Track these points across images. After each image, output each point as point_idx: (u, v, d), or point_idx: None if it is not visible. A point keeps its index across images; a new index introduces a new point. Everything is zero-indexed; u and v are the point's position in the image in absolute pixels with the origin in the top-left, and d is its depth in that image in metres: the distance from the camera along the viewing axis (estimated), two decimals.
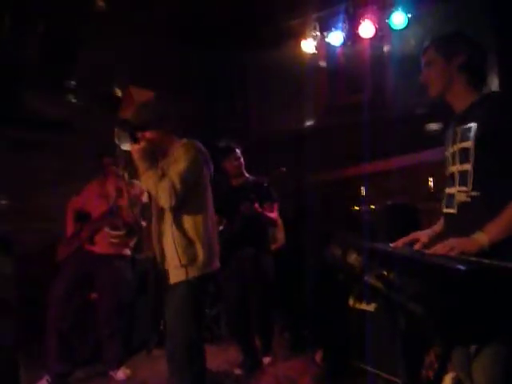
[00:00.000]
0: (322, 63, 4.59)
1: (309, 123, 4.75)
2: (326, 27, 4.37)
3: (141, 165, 1.92)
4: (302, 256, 3.07)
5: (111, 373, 3.01)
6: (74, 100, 4.04)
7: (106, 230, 3.02)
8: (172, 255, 1.93)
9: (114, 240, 3.03)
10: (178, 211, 1.93)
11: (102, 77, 4.28)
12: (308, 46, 4.46)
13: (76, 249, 3.03)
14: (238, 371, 3.02)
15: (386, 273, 1.23)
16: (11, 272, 3.45)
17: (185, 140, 2.04)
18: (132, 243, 3.20)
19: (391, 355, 2.25)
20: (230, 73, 5.46)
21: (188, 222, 1.95)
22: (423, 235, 1.64)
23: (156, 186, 1.87)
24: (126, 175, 3.17)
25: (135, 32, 4.45)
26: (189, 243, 1.93)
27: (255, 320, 3.16)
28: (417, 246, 1.61)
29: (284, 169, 3.36)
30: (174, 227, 1.93)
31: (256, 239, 3.08)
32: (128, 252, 3.17)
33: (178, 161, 1.93)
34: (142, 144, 1.93)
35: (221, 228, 3.23)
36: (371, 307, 2.41)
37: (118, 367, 3.01)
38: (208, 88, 5.60)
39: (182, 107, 4.86)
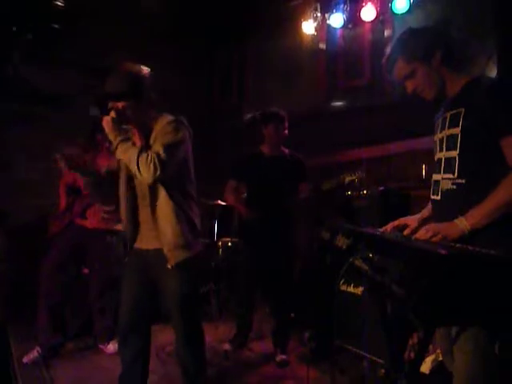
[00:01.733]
0: (322, 45, 4.53)
1: (305, 106, 4.72)
2: (327, 8, 4.31)
3: (113, 136, 1.78)
4: (291, 238, 3.09)
5: (101, 346, 3.06)
6: None
7: (98, 205, 3.01)
8: (173, 233, 1.83)
9: (105, 215, 3.03)
10: (172, 186, 1.85)
11: (97, 52, 4.23)
12: (308, 27, 4.41)
13: (67, 223, 3.03)
14: (226, 346, 3.06)
15: (371, 255, 1.25)
16: (4, 245, 3.47)
17: (169, 116, 1.90)
18: None
19: (376, 337, 2.30)
20: (229, 54, 5.40)
21: (184, 197, 1.90)
22: (412, 220, 1.66)
23: (135, 158, 1.72)
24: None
25: (134, 9, 4.38)
26: (189, 219, 1.89)
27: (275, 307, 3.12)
28: (406, 232, 1.63)
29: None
30: (172, 204, 1.83)
31: (284, 221, 2.98)
32: (120, 228, 3.18)
33: (165, 135, 1.82)
34: (112, 114, 1.79)
35: (244, 195, 3.17)
36: (358, 290, 2.44)
37: (107, 341, 3.06)
38: (206, 68, 5.55)
39: (180, 86, 4.84)
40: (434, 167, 1.56)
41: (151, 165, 1.71)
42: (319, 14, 4.34)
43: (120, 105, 1.81)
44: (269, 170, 2.92)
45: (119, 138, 1.77)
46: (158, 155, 1.73)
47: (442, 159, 1.48)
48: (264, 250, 2.91)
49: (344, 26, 4.26)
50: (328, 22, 4.30)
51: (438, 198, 1.49)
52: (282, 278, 2.99)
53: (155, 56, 4.55)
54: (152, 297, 2.01)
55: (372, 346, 2.38)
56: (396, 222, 1.68)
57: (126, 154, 1.76)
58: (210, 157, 5.11)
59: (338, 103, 4.47)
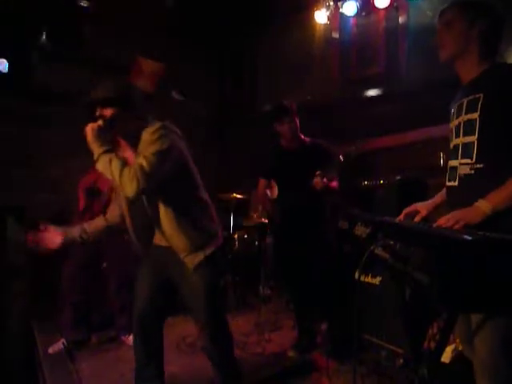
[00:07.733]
0: (335, 34, 4.48)
1: (319, 97, 4.68)
2: None
3: (95, 146, 1.68)
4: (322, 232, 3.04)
5: (123, 338, 3.14)
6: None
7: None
8: (181, 242, 1.83)
9: None
10: (169, 196, 1.81)
11: (111, 49, 4.26)
12: (321, 16, 4.36)
13: None
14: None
15: (392, 243, 1.24)
16: (24, 240, 3.54)
17: (156, 124, 1.80)
18: None
19: (395, 327, 2.29)
20: (240, 45, 5.38)
21: (189, 202, 1.86)
22: (423, 207, 1.67)
23: (118, 172, 1.63)
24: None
25: (145, 4, 4.40)
26: (196, 223, 1.85)
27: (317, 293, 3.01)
28: (416, 219, 1.64)
29: None
30: (172, 213, 1.80)
31: (318, 212, 2.91)
32: None
33: (149, 145, 1.72)
34: (99, 122, 1.72)
35: (268, 194, 3.20)
36: (377, 280, 2.44)
37: (129, 333, 3.12)
38: (218, 61, 5.54)
39: (192, 80, 4.85)
40: (450, 154, 1.53)
41: (134, 179, 1.61)
42: (332, 3, 4.29)
43: (108, 112, 1.74)
44: (292, 164, 2.88)
45: (102, 149, 1.68)
46: (142, 168, 1.63)
47: (459, 145, 1.46)
48: (294, 246, 2.90)
49: (357, 14, 4.21)
50: (341, 10, 4.25)
51: (455, 183, 1.47)
52: (310, 274, 2.92)
53: (166, 50, 4.57)
54: (168, 291, 2.00)
55: (391, 335, 2.37)
56: (408, 209, 1.70)
57: (108, 167, 1.66)
58: (224, 151, 5.13)
59: (353, 92, 4.41)
